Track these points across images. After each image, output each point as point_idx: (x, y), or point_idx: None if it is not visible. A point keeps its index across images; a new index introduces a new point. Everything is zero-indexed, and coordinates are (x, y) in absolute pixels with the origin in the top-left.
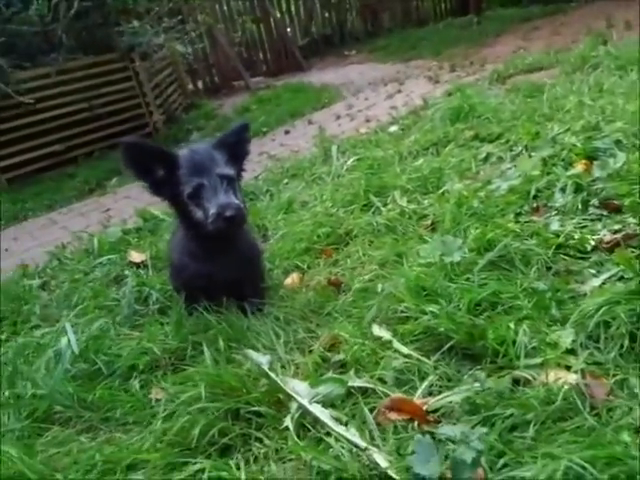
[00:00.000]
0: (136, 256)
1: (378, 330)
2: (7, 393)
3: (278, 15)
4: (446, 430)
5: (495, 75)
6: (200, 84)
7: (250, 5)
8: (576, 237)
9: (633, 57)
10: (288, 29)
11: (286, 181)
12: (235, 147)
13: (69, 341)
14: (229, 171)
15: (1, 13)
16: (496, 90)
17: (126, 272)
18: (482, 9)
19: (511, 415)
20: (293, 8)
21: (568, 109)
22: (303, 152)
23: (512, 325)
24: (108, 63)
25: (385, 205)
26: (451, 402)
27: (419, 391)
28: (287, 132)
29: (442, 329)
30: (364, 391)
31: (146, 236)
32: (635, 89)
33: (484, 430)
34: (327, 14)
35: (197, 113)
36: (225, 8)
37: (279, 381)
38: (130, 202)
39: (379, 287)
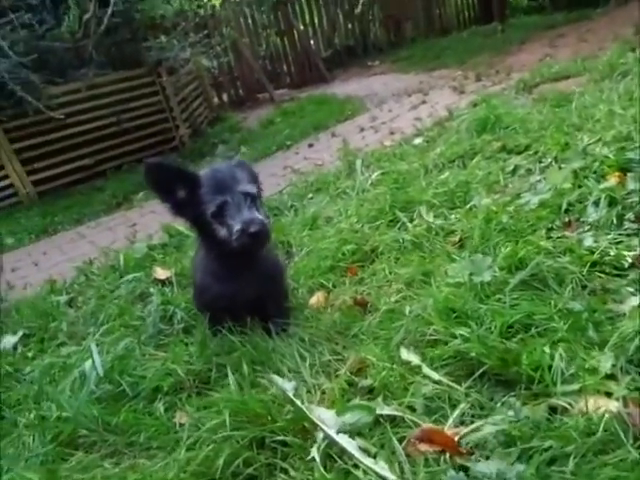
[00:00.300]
0: (161, 273)
1: (406, 354)
2: (32, 415)
3: (301, 27)
4: (481, 467)
5: (521, 84)
6: (225, 97)
7: (274, 18)
8: (612, 254)
9: None
10: (312, 41)
11: (310, 195)
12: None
13: (94, 362)
14: (252, 188)
15: (34, 30)
16: (523, 100)
17: (151, 289)
18: (506, 17)
19: (549, 447)
20: (316, 20)
21: (598, 118)
22: (327, 166)
23: (547, 349)
24: (136, 78)
25: (411, 221)
26: (484, 433)
27: (450, 420)
28: (311, 145)
29: (473, 354)
30: (392, 419)
31: (171, 252)
32: None
33: (521, 468)
34: (350, 25)
35: (222, 126)
36: (250, 22)
37: (305, 409)
38: (156, 217)
39: (407, 308)
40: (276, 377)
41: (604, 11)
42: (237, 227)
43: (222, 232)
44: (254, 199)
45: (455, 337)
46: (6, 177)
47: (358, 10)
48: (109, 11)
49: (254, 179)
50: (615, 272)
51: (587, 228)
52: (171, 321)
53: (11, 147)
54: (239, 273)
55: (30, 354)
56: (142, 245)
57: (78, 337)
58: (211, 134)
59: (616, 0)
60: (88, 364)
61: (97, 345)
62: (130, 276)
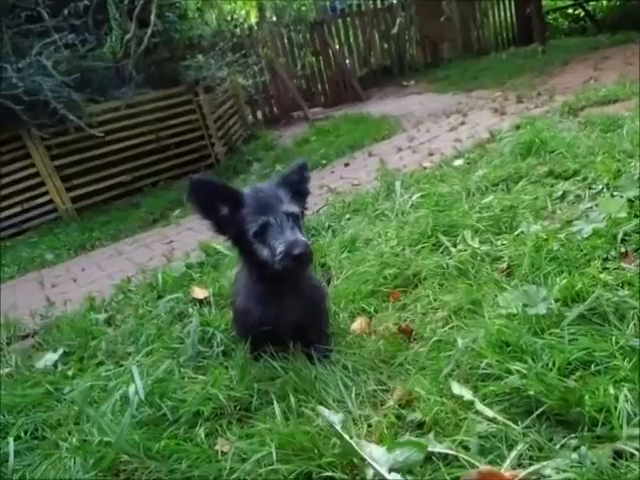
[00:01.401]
0: (199, 292)
1: (458, 388)
2: (74, 438)
3: (337, 47)
4: None
5: (566, 107)
6: (260, 115)
7: (310, 38)
8: None
9: None
10: (347, 60)
11: (348, 216)
12: (297, 185)
13: (136, 385)
14: (294, 209)
15: (77, 50)
16: (568, 123)
17: (189, 309)
18: (546, 38)
19: None
20: (352, 39)
21: None
22: (364, 186)
23: (611, 389)
24: (174, 96)
25: (455, 245)
26: (545, 476)
27: (507, 461)
28: (347, 165)
29: (532, 392)
30: (445, 457)
31: (209, 271)
32: None
33: None
34: (386, 45)
35: (257, 144)
36: (286, 41)
37: (354, 444)
38: (192, 234)
39: (456, 339)
40: (322, 408)
41: None
42: (280, 248)
43: (264, 253)
44: (297, 219)
45: (510, 373)
46: (46, 193)
47: (395, 30)
48: (149, 31)
49: (300, 195)
50: None
51: None
52: (210, 343)
53: (52, 164)
54: (282, 296)
55: (70, 373)
56: (180, 264)
57: (117, 356)
58: (246, 152)
59: None
60: (131, 390)
61: (137, 366)
62: (168, 296)
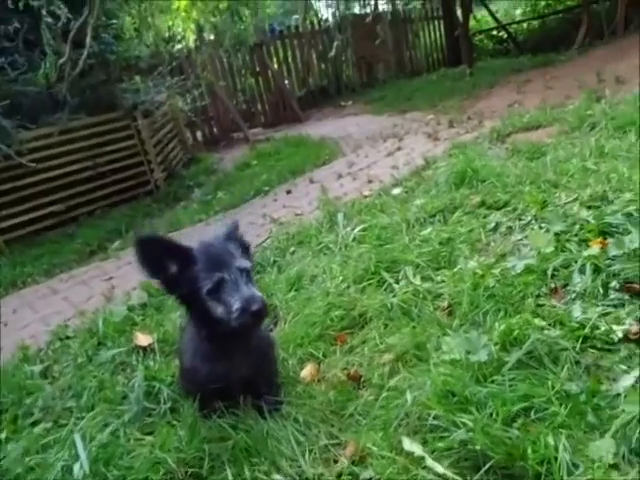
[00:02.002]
0: (142, 339)
1: (409, 443)
2: None
3: (276, 67)
4: None
5: (494, 133)
6: (199, 135)
7: (250, 59)
8: (602, 328)
9: (630, 118)
10: (286, 81)
11: (293, 249)
12: (241, 239)
13: (78, 457)
14: (247, 263)
15: (7, 74)
16: (497, 149)
17: (133, 359)
18: (473, 60)
19: None
20: (291, 61)
21: (572, 174)
22: (307, 215)
23: (551, 439)
24: (111, 122)
25: (397, 282)
26: None
27: None
28: (289, 192)
29: (478, 446)
30: None
31: (152, 314)
32: (636, 154)
33: None
34: (324, 66)
35: (197, 168)
36: (225, 63)
37: None
38: (133, 269)
39: (403, 386)
40: (278, 477)
41: (567, 57)
42: (237, 305)
43: (219, 310)
44: (249, 274)
45: (458, 426)
46: None
47: (332, 53)
48: (84, 53)
49: (246, 250)
50: (607, 347)
51: (574, 296)
52: (157, 398)
53: None
54: (231, 352)
55: (2, 435)
56: (121, 309)
57: (55, 414)
58: (186, 176)
59: (577, 48)
60: (72, 458)
61: (78, 427)
62: (109, 343)
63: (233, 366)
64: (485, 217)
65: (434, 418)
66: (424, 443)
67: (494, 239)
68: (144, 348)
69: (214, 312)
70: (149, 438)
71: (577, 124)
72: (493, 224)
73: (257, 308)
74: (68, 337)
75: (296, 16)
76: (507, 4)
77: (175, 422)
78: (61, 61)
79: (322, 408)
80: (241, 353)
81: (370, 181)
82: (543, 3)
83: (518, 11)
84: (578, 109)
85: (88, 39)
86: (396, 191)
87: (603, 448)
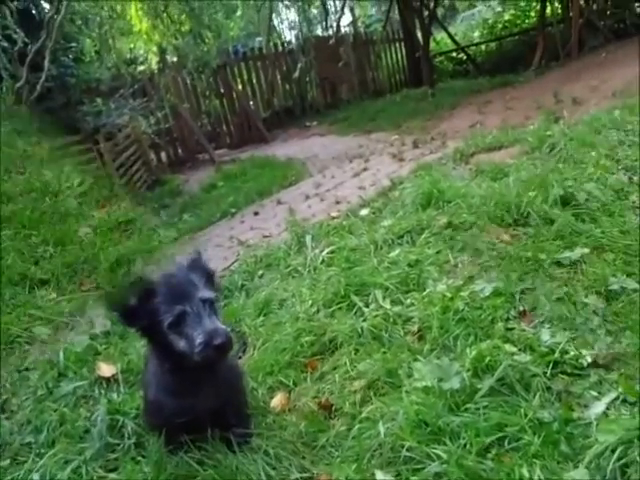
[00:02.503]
0: (106, 369)
1: (382, 477)
2: None
3: (240, 88)
4: None
5: (458, 154)
6: (164, 157)
7: (214, 81)
8: (571, 353)
9: (588, 139)
10: (251, 102)
11: (261, 272)
12: (206, 268)
13: None
14: (210, 294)
15: None
16: (461, 170)
17: (95, 391)
18: (434, 81)
19: None
20: (255, 82)
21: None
22: (275, 237)
23: (526, 471)
24: (72, 145)
25: (367, 305)
26: None
27: None
28: (256, 213)
29: (453, 479)
30: None
31: (116, 342)
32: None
33: None
34: (288, 87)
35: (162, 190)
36: (189, 85)
37: None
38: None
39: (375, 415)
40: None
41: (525, 78)
42: (199, 339)
43: (181, 344)
44: (212, 304)
45: (431, 458)
46: None
47: (296, 74)
48: (43, 77)
49: (210, 278)
50: (576, 372)
51: (542, 320)
52: (121, 432)
53: None
54: (197, 384)
55: None
56: (83, 338)
57: (13, 450)
58: (152, 198)
59: (534, 70)
60: None
61: (38, 464)
62: (71, 374)
63: (199, 399)
64: (452, 238)
65: (407, 450)
66: (398, 476)
67: (462, 261)
68: (107, 379)
69: (176, 346)
70: (113, 475)
71: (537, 144)
72: (460, 245)
73: (220, 342)
74: (27, 369)
75: (259, 38)
76: (465, 26)
77: (140, 458)
78: (18, 85)
79: (293, 440)
80: (207, 385)
81: (338, 202)
82: (500, 26)
83: (476, 33)
84: (538, 130)
85: (46, 62)
86: (364, 212)
87: (576, 477)
